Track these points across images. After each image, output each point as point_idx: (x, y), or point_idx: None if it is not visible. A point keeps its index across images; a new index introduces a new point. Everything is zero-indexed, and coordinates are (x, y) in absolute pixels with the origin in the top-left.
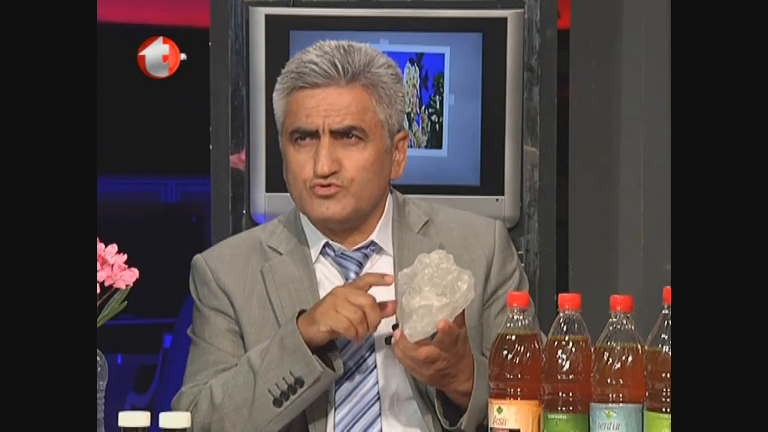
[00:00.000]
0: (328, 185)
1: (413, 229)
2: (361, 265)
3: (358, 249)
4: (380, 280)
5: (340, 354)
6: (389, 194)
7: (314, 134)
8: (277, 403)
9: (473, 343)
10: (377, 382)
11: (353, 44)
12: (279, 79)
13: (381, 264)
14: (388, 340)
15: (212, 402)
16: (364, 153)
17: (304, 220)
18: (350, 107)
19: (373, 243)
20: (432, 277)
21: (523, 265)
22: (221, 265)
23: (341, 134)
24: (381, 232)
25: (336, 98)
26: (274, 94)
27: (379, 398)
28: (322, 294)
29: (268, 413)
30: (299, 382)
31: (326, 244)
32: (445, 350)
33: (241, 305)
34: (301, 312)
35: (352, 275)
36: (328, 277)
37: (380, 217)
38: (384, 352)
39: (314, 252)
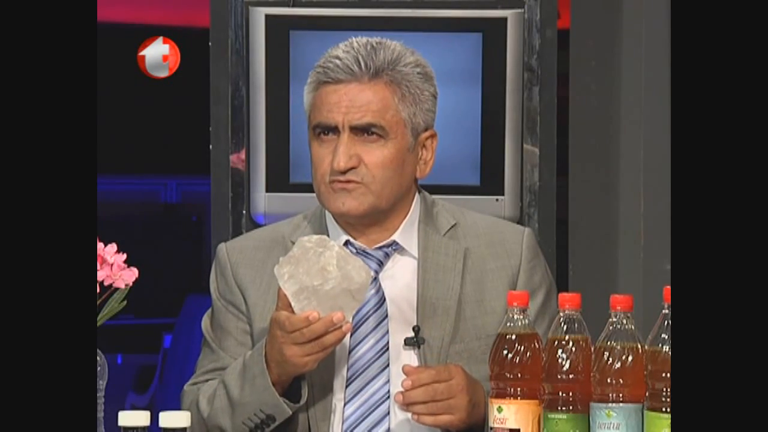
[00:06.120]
0: (347, 181)
1: (440, 232)
2: (381, 264)
3: (380, 248)
4: (305, 323)
5: (305, 381)
6: (416, 194)
7: (335, 129)
8: None
9: None
10: (388, 380)
11: (384, 41)
12: (310, 73)
13: (402, 264)
14: (407, 341)
15: (200, 413)
16: (384, 150)
17: (329, 217)
18: (371, 104)
19: (395, 243)
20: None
21: None
22: (241, 258)
23: (361, 130)
24: (405, 233)
25: (357, 94)
26: (305, 88)
27: (388, 396)
28: None
29: None
30: (270, 418)
31: (347, 242)
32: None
33: (254, 302)
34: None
35: (372, 274)
36: None
37: (405, 217)
38: (397, 352)
39: None
